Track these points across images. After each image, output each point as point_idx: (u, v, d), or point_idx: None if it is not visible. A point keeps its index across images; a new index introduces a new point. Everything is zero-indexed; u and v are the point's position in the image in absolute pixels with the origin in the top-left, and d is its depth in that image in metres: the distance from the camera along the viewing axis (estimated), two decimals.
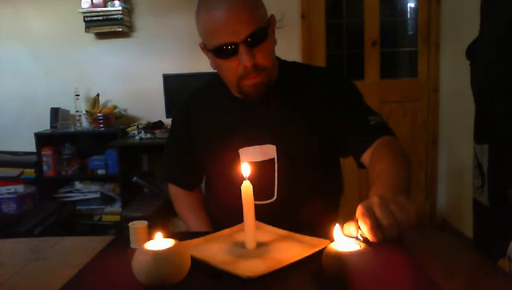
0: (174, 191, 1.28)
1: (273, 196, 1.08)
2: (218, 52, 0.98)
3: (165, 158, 1.28)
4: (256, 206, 1.04)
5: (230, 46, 0.95)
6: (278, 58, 1.13)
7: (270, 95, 1.07)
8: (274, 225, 0.92)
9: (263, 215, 0.95)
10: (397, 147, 0.99)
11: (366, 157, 1.01)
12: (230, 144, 1.09)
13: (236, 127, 1.10)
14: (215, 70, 1.07)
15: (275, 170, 1.07)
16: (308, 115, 1.08)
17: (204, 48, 1.04)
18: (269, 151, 1.07)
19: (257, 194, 1.05)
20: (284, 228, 0.90)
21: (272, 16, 1.04)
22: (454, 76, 2.73)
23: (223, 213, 1.15)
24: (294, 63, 1.17)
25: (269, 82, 1.03)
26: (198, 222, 1.20)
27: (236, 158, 1.08)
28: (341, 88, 1.11)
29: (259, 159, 1.07)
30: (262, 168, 1.07)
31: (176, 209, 1.28)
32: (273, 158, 1.07)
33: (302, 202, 1.09)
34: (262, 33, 0.97)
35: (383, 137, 1.01)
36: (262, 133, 1.07)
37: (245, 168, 0.83)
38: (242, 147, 1.08)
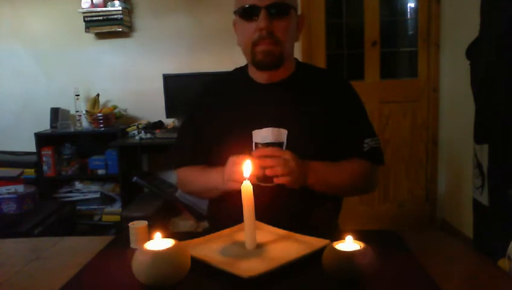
0: (183, 171, 1.24)
1: None
2: (242, 12, 1.08)
3: (177, 146, 1.27)
4: (260, 188, 1.06)
5: (253, 8, 1.05)
6: (296, 59, 1.21)
7: (287, 83, 1.14)
8: (277, 211, 0.93)
9: (265, 199, 0.96)
10: (368, 173, 1.15)
11: None
12: (244, 124, 1.12)
13: (252, 109, 1.14)
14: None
15: None
16: (319, 111, 1.13)
17: (234, 14, 1.12)
18: (280, 134, 1.11)
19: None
20: (287, 215, 0.91)
21: (302, 15, 1.15)
22: (454, 76, 2.73)
23: (227, 207, 1.14)
24: (312, 65, 1.28)
25: (280, 56, 1.09)
26: (215, 170, 1.13)
27: (249, 139, 1.11)
28: (351, 103, 1.18)
29: (268, 141, 1.10)
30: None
31: (190, 184, 1.22)
32: (283, 142, 1.10)
33: (304, 191, 1.10)
34: (285, 9, 1.07)
35: (367, 162, 1.14)
36: (277, 116, 1.12)
37: (246, 168, 0.83)
38: (256, 128, 1.11)
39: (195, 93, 1.28)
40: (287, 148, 1.09)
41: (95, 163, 2.85)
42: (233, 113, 1.15)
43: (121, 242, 0.90)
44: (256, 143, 1.10)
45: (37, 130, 2.80)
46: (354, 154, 1.15)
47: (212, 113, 1.19)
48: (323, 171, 1.08)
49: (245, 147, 1.09)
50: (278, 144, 1.10)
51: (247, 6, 1.06)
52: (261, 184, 0.99)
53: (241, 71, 1.22)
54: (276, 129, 1.10)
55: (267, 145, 1.09)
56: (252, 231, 0.82)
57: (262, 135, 1.10)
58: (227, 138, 1.13)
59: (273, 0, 1.04)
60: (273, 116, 1.11)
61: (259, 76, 1.16)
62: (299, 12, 1.16)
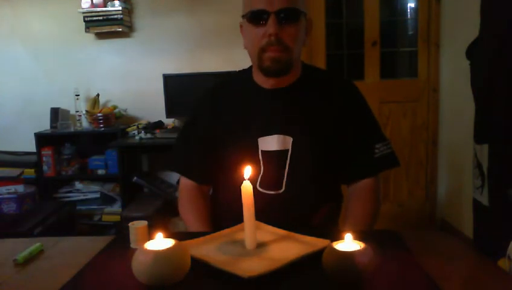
0: (184, 183, 1.22)
1: (281, 188, 1.09)
2: (251, 16, 1.05)
3: (177, 150, 1.24)
4: (263, 195, 1.06)
5: (262, 13, 1.03)
6: (303, 62, 1.18)
7: (293, 90, 1.13)
8: (277, 218, 0.92)
9: (269, 205, 0.96)
10: (375, 195, 1.15)
11: (352, 186, 1.17)
12: (250, 131, 1.11)
13: (258, 115, 1.13)
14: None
15: (287, 162, 1.10)
16: (325, 118, 1.12)
17: (242, 18, 1.11)
18: (286, 141, 1.10)
19: (267, 183, 1.07)
20: (287, 222, 0.91)
21: (310, 19, 1.13)
22: (454, 76, 2.73)
23: (226, 209, 1.14)
24: (318, 68, 1.24)
25: (288, 63, 1.07)
26: (197, 223, 1.15)
27: (254, 146, 1.11)
28: (359, 107, 1.18)
29: (274, 148, 1.10)
30: (276, 158, 1.10)
31: (179, 203, 1.21)
32: (288, 149, 1.10)
33: (307, 200, 1.11)
34: (294, 15, 1.04)
35: (373, 178, 1.16)
36: (283, 123, 1.11)
37: (246, 169, 0.83)
38: (261, 135, 1.11)
39: (200, 96, 1.24)
40: (291, 155, 1.09)
41: (95, 163, 2.85)
42: (238, 120, 1.14)
43: (121, 242, 0.90)
44: (262, 150, 1.10)
45: (37, 130, 2.80)
46: (365, 162, 1.14)
47: (216, 118, 1.16)
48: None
49: (251, 154, 1.09)
50: (283, 152, 1.10)
51: (255, 10, 1.03)
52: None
53: (245, 74, 1.19)
54: (281, 136, 1.10)
55: (272, 152, 1.09)
56: (252, 231, 0.82)
57: (267, 142, 1.10)
58: (233, 145, 1.13)
59: (283, 6, 1.01)
60: (278, 123, 1.11)
61: (264, 81, 1.14)
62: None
